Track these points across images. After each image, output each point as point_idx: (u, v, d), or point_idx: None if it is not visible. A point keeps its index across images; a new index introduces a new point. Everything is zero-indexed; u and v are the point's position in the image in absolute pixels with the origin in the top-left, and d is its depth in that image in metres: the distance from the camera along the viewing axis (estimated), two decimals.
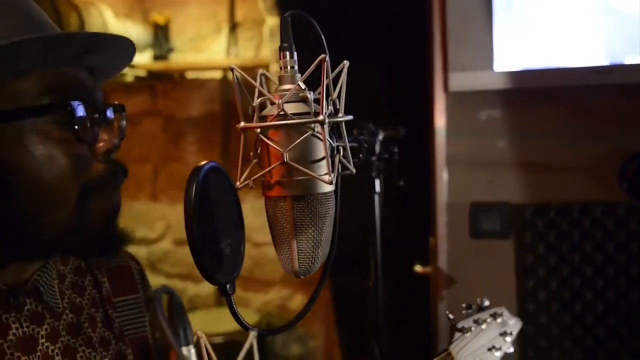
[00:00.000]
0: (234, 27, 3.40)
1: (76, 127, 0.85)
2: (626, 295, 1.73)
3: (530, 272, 1.78)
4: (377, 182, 1.28)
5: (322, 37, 0.83)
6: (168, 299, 0.62)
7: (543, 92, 1.74)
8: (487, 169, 1.77)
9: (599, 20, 1.66)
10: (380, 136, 1.17)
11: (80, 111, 0.86)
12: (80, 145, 0.87)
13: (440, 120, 1.79)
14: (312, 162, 0.76)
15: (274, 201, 0.77)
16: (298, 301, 3.21)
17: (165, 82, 3.44)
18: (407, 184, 1.36)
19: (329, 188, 0.77)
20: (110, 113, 0.92)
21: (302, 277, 0.80)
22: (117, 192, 0.93)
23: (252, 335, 0.57)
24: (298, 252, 0.77)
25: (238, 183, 0.78)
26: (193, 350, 0.59)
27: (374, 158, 1.20)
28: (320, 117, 0.74)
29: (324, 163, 0.77)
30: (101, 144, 0.89)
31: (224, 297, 0.87)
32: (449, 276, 1.85)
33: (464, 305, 1.12)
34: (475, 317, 1.09)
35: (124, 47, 0.95)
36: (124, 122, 0.95)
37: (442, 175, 1.82)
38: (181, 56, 3.40)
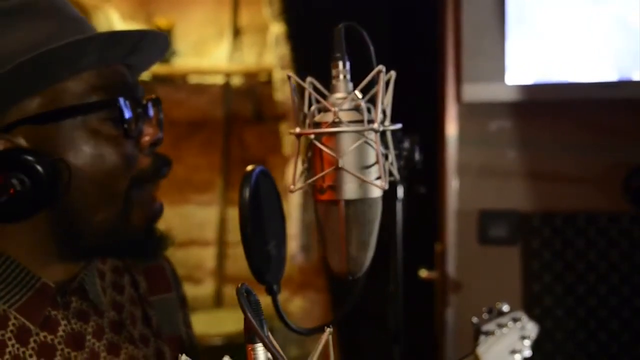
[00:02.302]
0: (237, 32, 3.43)
1: (125, 123, 0.87)
2: (628, 301, 1.79)
3: (536, 277, 1.84)
4: (400, 189, 1.31)
5: (372, 48, 0.88)
6: (246, 297, 0.65)
7: (553, 104, 1.80)
8: (496, 177, 1.83)
9: (610, 35, 1.72)
10: (407, 143, 1.20)
11: (128, 107, 0.88)
12: (128, 141, 0.89)
13: (451, 130, 1.84)
14: (364, 167, 0.80)
15: (327, 205, 0.80)
16: (297, 304, 3.24)
17: (167, 86, 3.46)
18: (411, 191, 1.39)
19: (378, 193, 0.81)
20: (150, 107, 0.94)
21: (350, 278, 0.83)
22: (156, 197, 0.96)
23: (328, 332, 0.60)
24: (348, 255, 0.81)
25: (292, 186, 0.82)
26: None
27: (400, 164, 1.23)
28: (375, 125, 0.78)
29: (373, 169, 0.81)
30: (146, 138, 0.92)
31: (270, 296, 0.90)
32: (456, 281, 1.89)
33: (484, 309, 1.16)
34: (498, 321, 1.14)
35: (163, 44, 0.97)
36: (162, 116, 0.97)
37: (452, 183, 1.87)
38: (184, 60, 3.43)
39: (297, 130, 0.81)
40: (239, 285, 0.61)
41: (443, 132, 1.84)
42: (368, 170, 0.80)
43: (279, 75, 3.11)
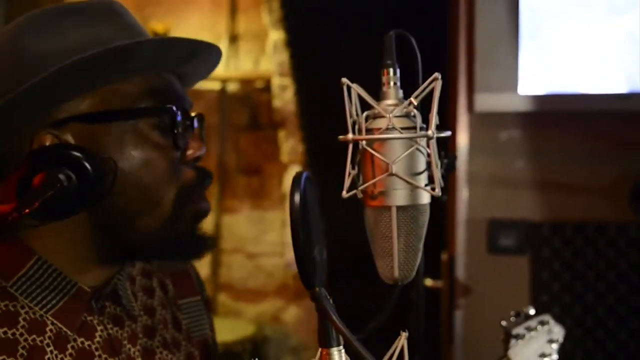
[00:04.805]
0: (234, 38, 3.43)
1: (175, 132, 0.87)
2: (637, 311, 1.82)
3: (545, 287, 1.86)
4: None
5: (419, 57, 0.88)
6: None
7: (563, 115, 1.82)
8: (506, 187, 1.84)
9: (620, 48, 1.75)
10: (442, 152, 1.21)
11: (179, 117, 0.88)
12: (174, 151, 0.89)
13: (462, 139, 1.85)
14: (414, 174, 0.80)
15: (378, 211, 0.80)
16: (292, 313, 3.23)
17: None
18: None
19: (427, 199, 0.82)
20: (196, 121, 0.94)
21: (400, 284, 0.83)
22: (205, 197, 0.96)
23: (404, 337, 0.60)
24: (399, 260, 0.81)
25: (344, 192, 0.82)
26: (343, 351, 0.61)
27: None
28: (429, 132, 0.79)
29: (423, 175, 0.81)
30: (191, 151, 0.92)
31: (315, 302, 0.89)
32: (465, 290, 1.90)
33: (512, 312, 1.16)
34: (526, 324, 1.14)
35: (216, 56, 0.97)
36: (204, 133, 0.97)
37: (462, 192, 1.88)
38: None
39: (350, 136, 0.81)
40: (318, 289, 0.61)
41: (454, 141, 1.85)
42: (418, 177, 0.81)
43: (277, 82, 3.11)
